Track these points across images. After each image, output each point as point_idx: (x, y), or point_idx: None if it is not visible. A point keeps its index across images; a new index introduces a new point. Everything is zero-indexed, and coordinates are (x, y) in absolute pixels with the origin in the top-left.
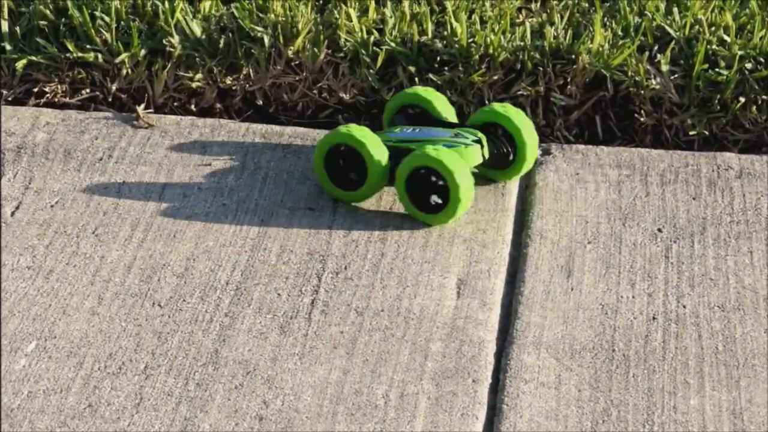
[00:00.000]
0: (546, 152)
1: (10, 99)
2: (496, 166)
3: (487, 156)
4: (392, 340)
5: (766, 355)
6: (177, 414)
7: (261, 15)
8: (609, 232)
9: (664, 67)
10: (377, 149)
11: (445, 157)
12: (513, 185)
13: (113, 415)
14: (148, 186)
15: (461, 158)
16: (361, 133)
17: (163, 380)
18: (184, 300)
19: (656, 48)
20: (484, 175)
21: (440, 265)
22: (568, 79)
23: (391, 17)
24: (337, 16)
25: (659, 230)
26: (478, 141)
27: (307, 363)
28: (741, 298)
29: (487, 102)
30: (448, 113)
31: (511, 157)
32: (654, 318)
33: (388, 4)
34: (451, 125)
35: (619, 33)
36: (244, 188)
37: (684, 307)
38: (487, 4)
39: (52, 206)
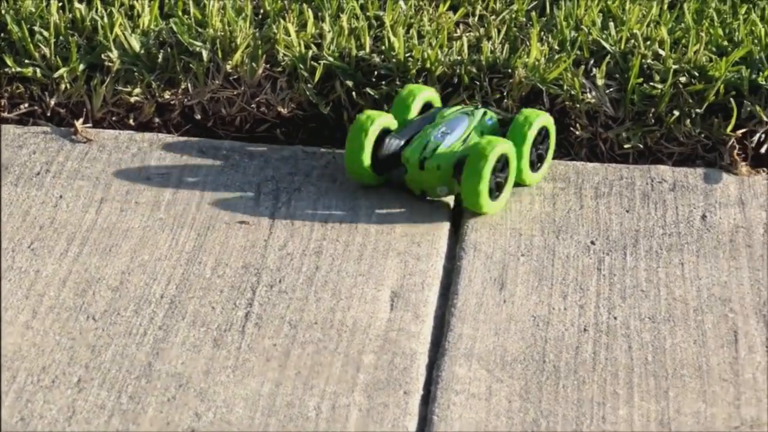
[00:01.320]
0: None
1: None
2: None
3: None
4: (325, 352)
5: (694, 365)
6: (109, 427)
7: (200, 30)
8: (542, 244)
9: (600, 81)
10: None
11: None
12: (448, 199)
13: (45, 428)
14: (86, 200)
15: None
16: None
17: (96, 393)
18: (118, 313)
19: (592, 62)
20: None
21: (374, 278)
22: (505, 93)
23: (329, 32)
24: (276, 31)
25: (592, 243)
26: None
27: (239, 375)
28: (671, 309)
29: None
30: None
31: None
32: (585, 329)
33: (327, 19)
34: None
35: (556, 47)
36: (181, 202)
37: (615, 318)
38: (425, 19)
39: None
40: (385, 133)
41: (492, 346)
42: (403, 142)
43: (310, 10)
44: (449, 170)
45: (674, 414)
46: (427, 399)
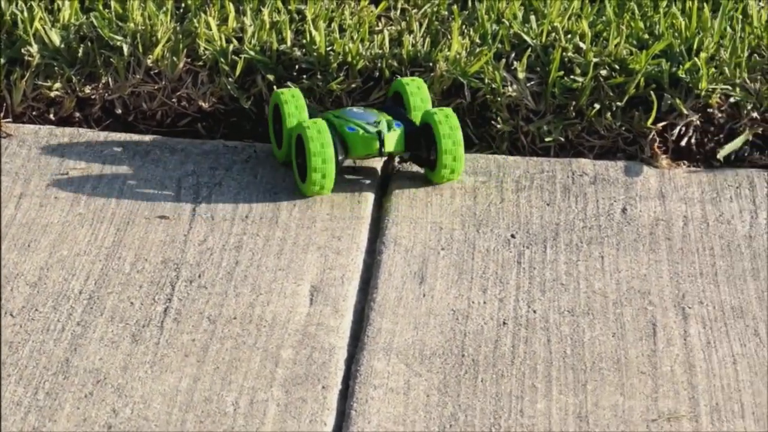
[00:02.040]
0: (402, 159)
1: None
2: (421, 164)
3: (385, 150)
4: (243, 347)
5: (613, 358)
6: (25, 423)
7: (120, 24)
8: (463, 238)
9: (521, 74)
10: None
11: (310, 133)
12: (368, 194)
13: None
14: (5, 195)
15: (326, 139)
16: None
17: (13, 390)
18: (36, 309)
19: (513, 55)
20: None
21: (294, 273)
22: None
23: (250, 26)
24: (197, 25)
25: (512, 236)
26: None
27: (157, 371)
28: (591, 302)
29: None
30: (420, 103)
31: (432, 157)
32: (504, 323)
33: (248, 12)
34: (394, 113)
35: (477, 41)
36: (101, 197)
37: (534, 312)
38: (347, 13)
39: None
40: None
41: (411, 341)
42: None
43: (231, 3)
44: None
45: (592, 407)
46: (346, 394)
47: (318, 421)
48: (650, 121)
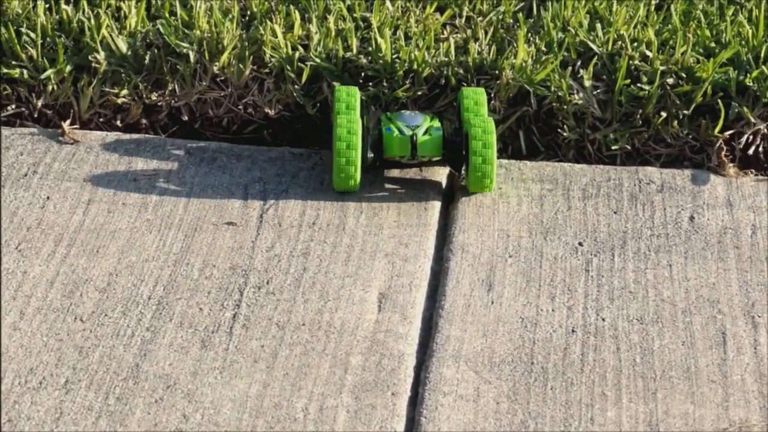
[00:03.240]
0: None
1: None
2: (453, 167)
3: (417, 154)
4: (312, 353)
5: (683, 367)
6: (97, 428)
7: (186, 31)
8: (530, 246)
9: (587, 83)
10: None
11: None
12: (435, 202)
13: (33, 429)
14: (73, 201)
15: (354, 128)
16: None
17: (84, 394)
18: (105, 315)
19: (579, 63)
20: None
21: (362, 279)
22: (492, 95)
23: (316, 33)
24: (263, 32)
25: (580, 244)
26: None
27: (227, 377)
28: (659, 310)
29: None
30: (473, 112)
31: (464, 167)
32: (573, 331)
33: (314, 20)
34: (448, 120)
35: (543, 48)
36: (168, 203)
37: (603, 320)
38: (412, 20)
39: None
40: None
41: (480, 348)
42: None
43: (297, 11)
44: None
45: (662, 415)
46: (415, 400)
47: (387, 428)
48: (717, 129)
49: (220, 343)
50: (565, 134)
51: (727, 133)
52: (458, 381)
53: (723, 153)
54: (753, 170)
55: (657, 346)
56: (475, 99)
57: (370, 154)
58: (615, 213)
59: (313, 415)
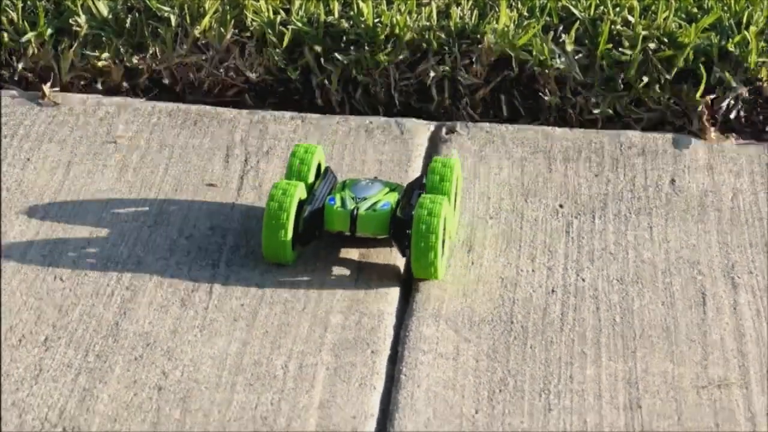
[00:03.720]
0: (451, 130)
1: None
2: (399, 249)
3: (357, 231)
4: (293, 312)
5: (662, 326)
6: (76, 385)
7: None
8: (511, 208)
9: (569, 47)
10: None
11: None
12: (417, 162)
13: (12, 386)
14: (53, 163)
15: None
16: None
17: (63, 352)
18: (85, 274)
19: (561, 28)
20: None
21: (342, 241)
22: (474, 59)
23: None
24: None
25: (560, 206)
26: (360, 208)
27: (207, 335)
28: (640, 271)
29: (392, 82)
30: (438, 183)
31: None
32: (553, 291)
33: None
34: (410, 194)
35: (525, 13)
36: (149, 165)
37: (583, 280)
38: None
39: None
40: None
41: (460, 307)
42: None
43: None
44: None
45: (642, 374)
46: (395, 359)
47: (367, 385)
48: (699, 93)
49: (199, 302)
50: (546, 98)
51: (709, 98)
52: (438, 339)
53: (705, 117)
54: (734, 134)
55: (637, 306)
56: (442, 174)
57: (301, 227)
58: (596, 176)
59: (293, 372)
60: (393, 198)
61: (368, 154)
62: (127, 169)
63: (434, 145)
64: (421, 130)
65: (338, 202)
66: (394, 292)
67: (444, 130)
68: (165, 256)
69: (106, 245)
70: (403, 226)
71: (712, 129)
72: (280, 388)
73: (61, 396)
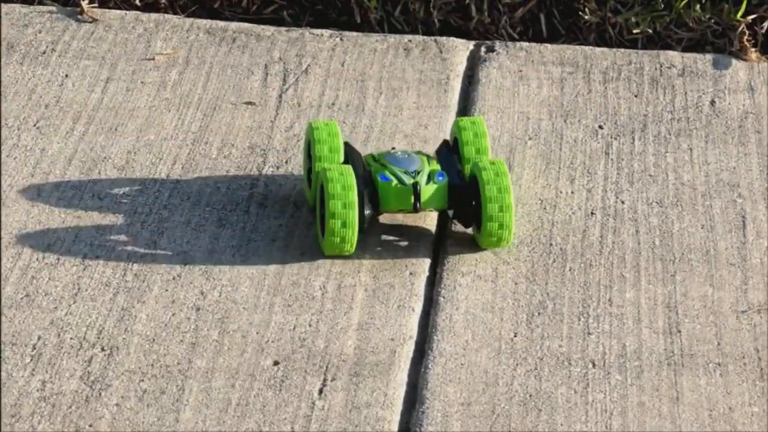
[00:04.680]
0: (490, 49)
1: None
2: (466, 224)
3: (421, 206)
4: None
5: (702, 250)
6: (114, 304)
7: None
8: (550, 128)
9: None
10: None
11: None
12: (455, 82)
13: (50, 305)
14: (91, 80)
15: (348, 182)
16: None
17: (101, 271)
18: (123, 192)
19: None
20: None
21: None
22: None
23: None
24: None
25: (600, 127)
26: (417, 183)
27: (244, 255)
28: (679, 194)
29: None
30: (473, 144)
31: (476, 219)
32: (592, 213)
33: None
34: (446, 162)
35: None
36: (187, 82)
37: (622, 202)
38: None
39: None
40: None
41: None
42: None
43: None
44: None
45: (681, 297)
46: (433, 281)
47: (406, 307)
48: (740, 13)
49: (237, 221)
50: (586, 17)
51: (750, 18)
52: (476, 261)
53: (745, 37)
54: None
55: (676, 229)
56: (474, 130)
57: (367, 210)
58: (635, 96)
59: (332, 294)
60: (437, 167)
61: (407, 73)
62: (165, 87)
63: (473, 64)
64: (460, 50)
65: (393, 179)
66: (432, 213)
67: (483, 49)
68: (203, 175)
69: (145, 163)
70: (463, 194)
71: (753, 49)
72: (318, 309)
73: (99, 315)
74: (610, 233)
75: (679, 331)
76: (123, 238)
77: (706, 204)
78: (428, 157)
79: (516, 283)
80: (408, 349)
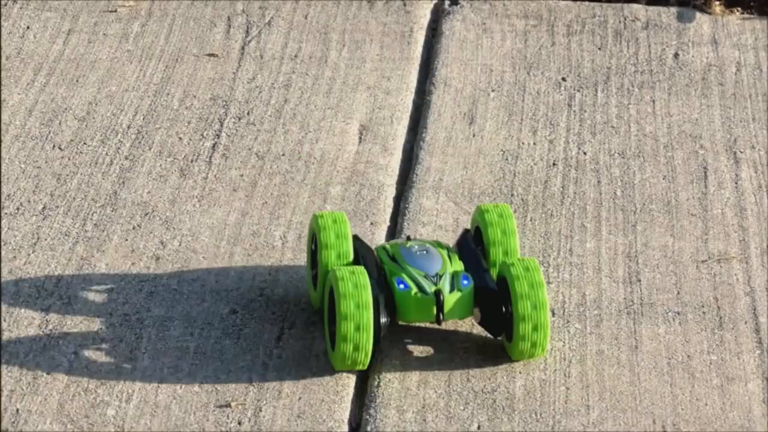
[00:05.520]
0: (454, 2)
1: None
2: (495, 333)
3: (444, 318)
4: (292, 183)
5: (663, 200)
6: (74, 253)
7: None
8: (513, 80)
9: None
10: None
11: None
12: (418, 35)
13: (9, 254)
14: (53, 31)
15: (363, 299)
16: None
17: (61, 221)
18: (84, 143)
19: None
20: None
21: (343, 111)
22: None
23: None
24: None
25: (563, 79)
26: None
27: (205, 205)
28: (641, 145)
29: None
30: (500, 239)
31: (506, 325)
32: (554, 164)
33: None
34: (468, 258)
35: None
36: (149, 34)
37: (584, 153)
38: None
39: None
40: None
41: (460, 180)
42: None
43: None
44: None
45: (642, 247)
46: (394, 230)
47: None
48: None
49: (199, 172)
50: None
51: None
52: (437, 211)
53: None
54: (739, 8)
55: (638, 179)
56: (503, 226)
57: (384, 319)
58: (599, 49)
59: (292, 243)
60: (459, 266)
61: (370, 25)
62: (127, 39)
63: (437, 17)
64: (424, 2)
65: (412, 286)
66: (394, 163)
67: (447, 2)
68: (165, 126)
69: (106, 114)
70: (492, 301)
71: (717, 3)
72: (278, 259)
73: (58, 265)
74: (572, 184)
75: (639, 281)
76: (83, 188)
77: (668, 155)
78: (448, 250)
79: None
80: None
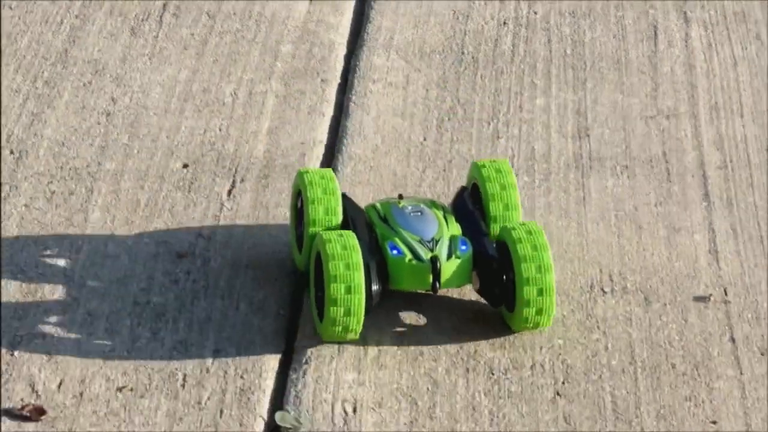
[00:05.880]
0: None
1: None
2: (494, 302)
3: (441, 286)
4: (243, 42)
5: (613, 58)
6: (24, 110)
7: None
8: None
9: None
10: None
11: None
12: None
13: None
14: None
15: (353, 259)
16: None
17: (11, 78)
18: (34, 1)
19: None
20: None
21: None
22: None
23: None
24: None
25: None
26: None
27: (156, 63)
28: (592, 5)
29: None
30: (500, 199)
31: (507, 293)
32: (505, 23)
33: None
34: (466, 221)
35: None
36: None
37: (535, 13)
38: None
39: None
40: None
41: (411, 38)
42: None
43: None
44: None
45: (591, 104)
46: (345, 87)
47: (317, 112)
48: None
49: (149, 30)
50: None
51: None
52: (388, 69)
53: None
54: None
55: (588, 38)
56: (501, 182)
57: (375, 286)
58: None
59: (243, 100)
60: (457, 230)
61: None
62: None
63: None
64: None
65: (406, 252)
66: (345, 22)
67: None
68: None
69: None
70: (491, 268)
71: None
72: (228, 115)
73: (8, 120)
74: (522, 42)
75: (588, 136)
76: (34, 45)
77: (618, 14)
78: (444, 211)
79: (427, 90)
80: (318, 152)
